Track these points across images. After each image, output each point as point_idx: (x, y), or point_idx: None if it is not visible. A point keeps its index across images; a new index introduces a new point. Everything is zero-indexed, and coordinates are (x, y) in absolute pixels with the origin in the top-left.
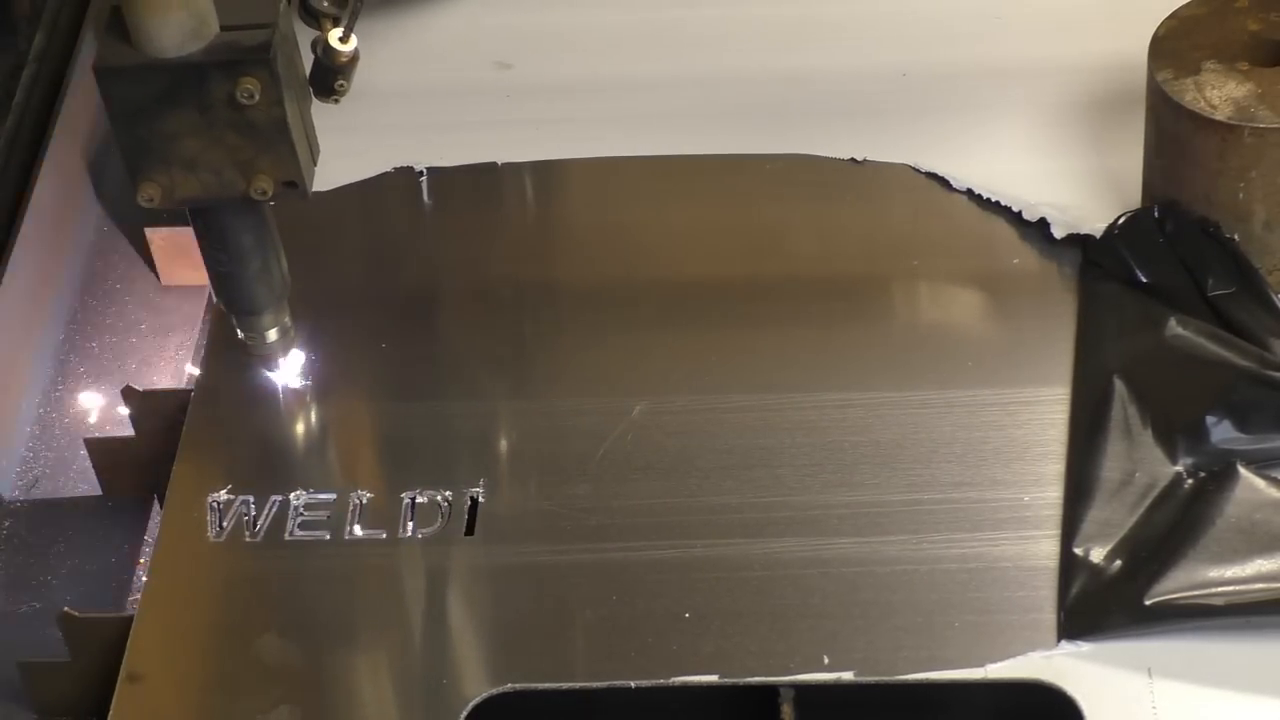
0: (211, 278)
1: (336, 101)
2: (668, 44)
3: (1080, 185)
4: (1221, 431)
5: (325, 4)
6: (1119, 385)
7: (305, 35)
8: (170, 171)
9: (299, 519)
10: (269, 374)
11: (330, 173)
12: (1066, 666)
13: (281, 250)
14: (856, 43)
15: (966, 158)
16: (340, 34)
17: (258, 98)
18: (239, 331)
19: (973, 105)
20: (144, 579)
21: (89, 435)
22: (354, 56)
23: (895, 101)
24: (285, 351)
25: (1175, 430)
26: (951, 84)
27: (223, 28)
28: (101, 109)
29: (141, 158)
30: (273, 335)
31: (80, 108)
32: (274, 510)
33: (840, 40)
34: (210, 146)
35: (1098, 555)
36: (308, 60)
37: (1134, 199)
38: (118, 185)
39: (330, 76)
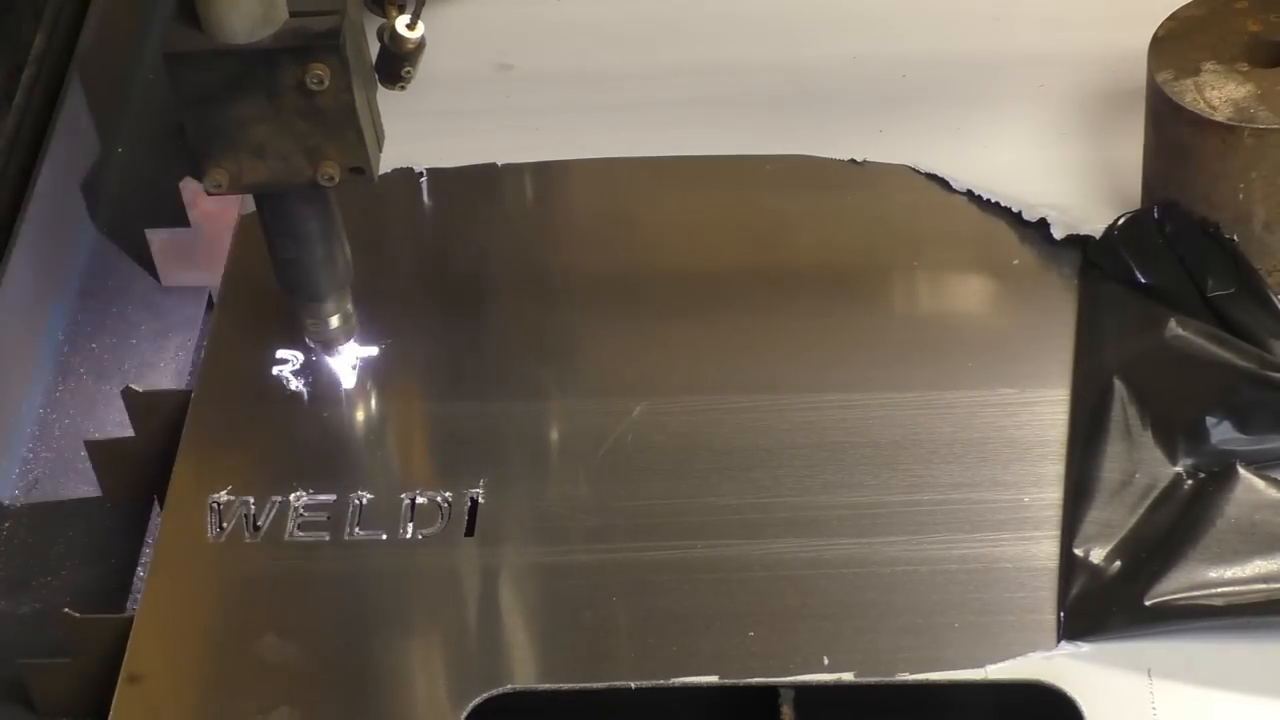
0: (275, 264)
1: (403, 88)
2: (668, 45)
3: (1080, 186)
4: (1221, 432)
5: None
6: (1119, 386)
7: (370, 23)
8: (238, 157)
9: (299, 519)
10: (329, 360)
11: None
12: (1066, 667)
13: (344, 237)
14: (857, 43)
15: (966, 158)
16: (407, 20)
17: (327, 84)
18: (302, 318)
19: (972, 106)
20: (144, 579)
21: (89, 436)
22: (421, 43)
23: (895, 102)
24: (346, 338)
25: (1175, 431)
26: (951, 85)
27: (291, 13)
28: (102, 108)
29: (209, 144)
30: (335, 322)
31: (80, 108)
32: (274, 510)
33: (841, 40)
34: (278, 133)
35: (1098, 556)
36: (372, 47)
37: (1134, 200)
38: (118, 185)
39: (397, 64)
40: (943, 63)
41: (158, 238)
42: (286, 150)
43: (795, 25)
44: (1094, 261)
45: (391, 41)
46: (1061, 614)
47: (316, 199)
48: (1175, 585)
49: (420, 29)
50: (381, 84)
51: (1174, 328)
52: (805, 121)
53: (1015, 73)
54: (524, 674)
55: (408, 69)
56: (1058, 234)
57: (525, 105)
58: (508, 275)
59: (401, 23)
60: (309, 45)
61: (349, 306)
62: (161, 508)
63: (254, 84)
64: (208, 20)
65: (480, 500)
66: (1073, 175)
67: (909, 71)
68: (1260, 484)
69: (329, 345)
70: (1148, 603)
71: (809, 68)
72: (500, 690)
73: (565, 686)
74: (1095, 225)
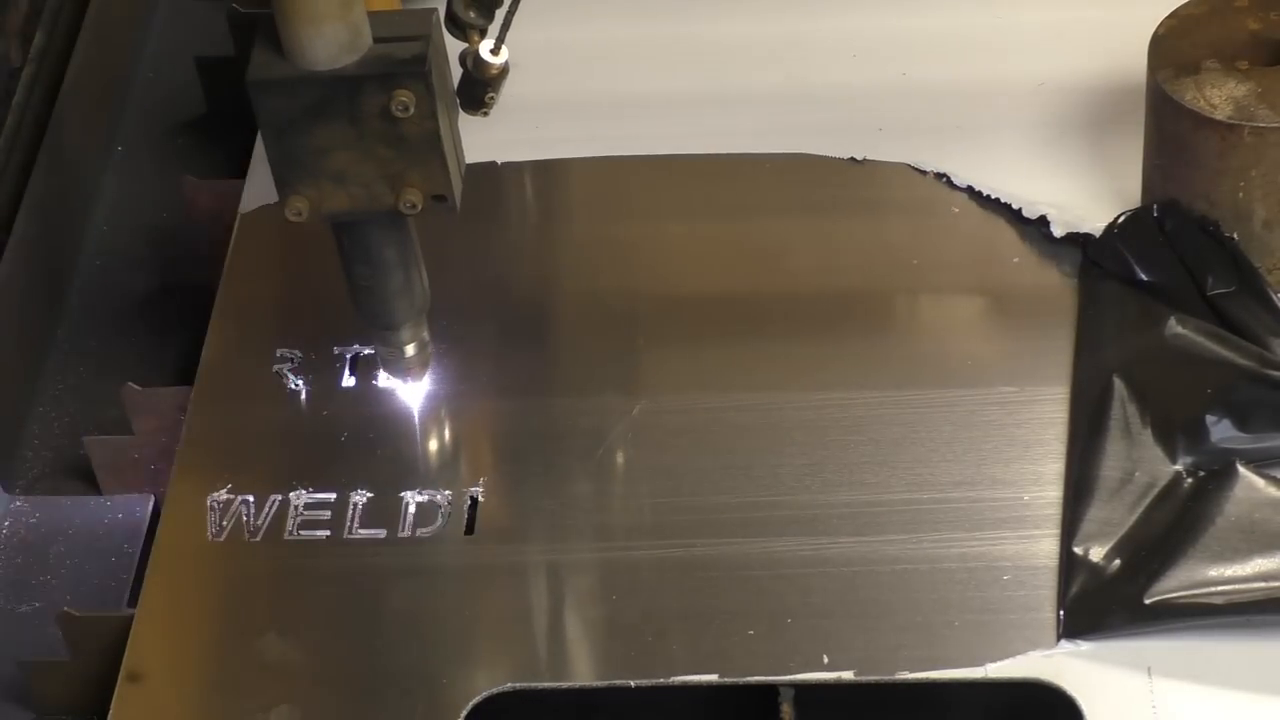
0: (351, 291)
1: (485, 114)
2: (668, 44)
3: (1080, 184)
4: (1221, 430)
5: (472, 15)
6: (1119, 384)
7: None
8: (319, 185)
9: (299, 519)
10: (404, 384)
11: None
12: (1066, 666)
13: (423, 264)
14: (856, 43)
15: (966, 157)
16: (491, 46)
17: (412, 110)
18: (376, 345)
19: (972, 105)
20: (144, 579)
21: (89, 435)
22: (504, 69)
23: (895, 101)
24: (423, 367)
25: (1175, 429)
26: (951, 84)
27: (376, 39)
28: (102, 108)
29: (290, 171)
30: (411, 350)
31: (80, 107)
32: (274, 510)
33: (840, 40)
34: (360, 160)
35: (1098, 554)
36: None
37: (1134, 198)
38: (118, 185)
39: (480, 89)
40: (943, 62)
41: (158, 237)
42: (368, 178)
43: (795, 25)
44: (1094, 260)
45: (475, 67)
46: (1061, 612)
47: (395, 226)
48: (1175, 584)
49: (504, 54)
50: (463, 109)
51: (1174, 326)
52: (805, 121)
53: (1015, 71)
54: (524, 673)
55: (491, 95)
56: (1058, 232)
57: (525, 104)
58: (507, 274)
59: (485, 48)
60: (394, 72)
61: (425, 335)
62: (161, 507)
63: (337, 111)
64: (291, 47)
65: (480, 499)
66: (1072, 173)
67: (909, 71)
68: (1260, 482)
69: (405, 374)
70: (1147, 601)
71: (809, 67)
72: (500, 690)
73: (565, 686)
74: (1095, 223)
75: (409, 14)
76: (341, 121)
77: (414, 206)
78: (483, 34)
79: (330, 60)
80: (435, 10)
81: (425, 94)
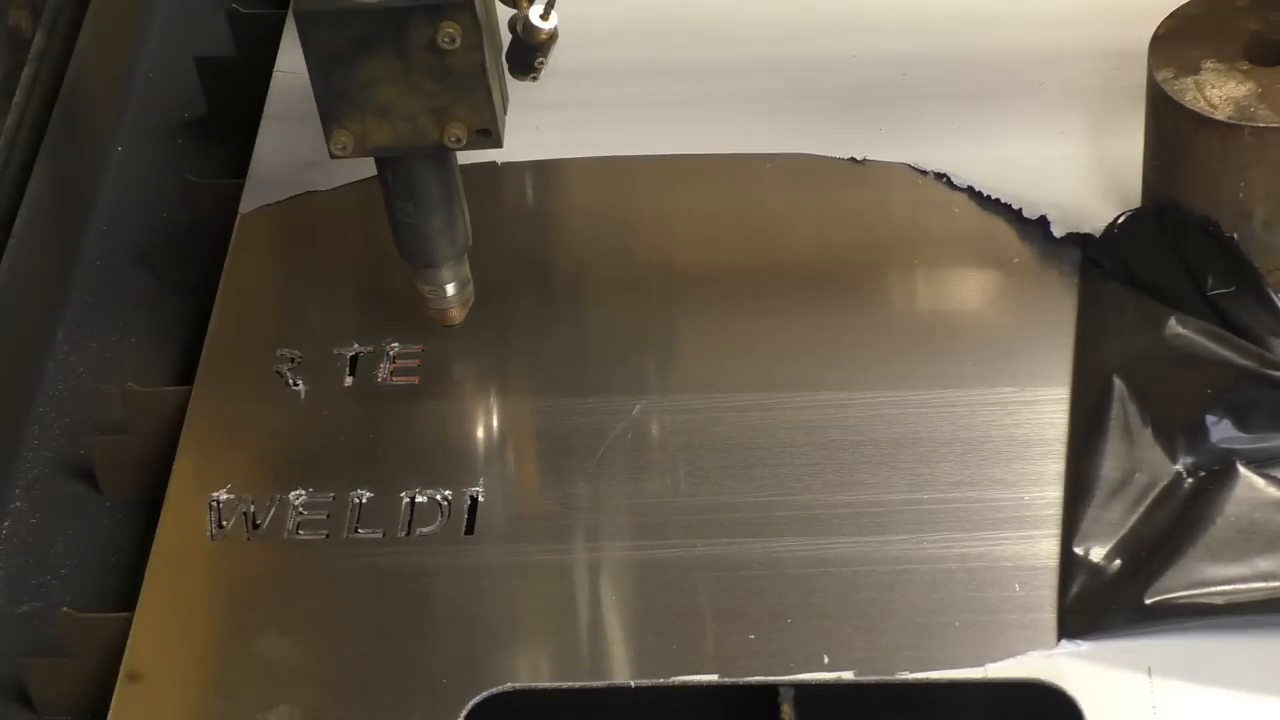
0: (394, 229)
1: (535, 79)
2: (668, 44)
3: (1080, 184)
4: (1221, 431)
5: None
6: (1119, 384)
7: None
8: (364, 119)
9: (299, 518)
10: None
11: (331, 172)
12: (1066, 666)
13: (464, 201)
14: (857, 43)
15: (966, 157)
16: (540, 10)
17: (458, 42)
18: (418, 284)
19: (972, 105)
20: (144, 579)
21: (89, 435)
22: (554, 34)
23: (895, 101)
24: (464, 305)
25: (1175, 429)
26: (951, 84)
27: None
28: (102, 108)
29: (335, 105)
30: (451, 290)
31: (80, 108)
32: (273, 509)
33: (840, 40)
34: (406, 93)
35: (1098, 554)
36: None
37: (1134, 198)
38: (118, 185)
39: (530, 54)
40: (943, 62)
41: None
42: (413, 111)
43: (795, 25)
44: (1094, 260)
45: (524, 32)
46: (1061, 613)
47: (439, 161)
48: (1175, 584)
49: (554, 19)
50: (513, 75)
51: (1174, 326)
52: (805, 121)
53: (1015, 71)
54: (524, 673)
55: (540, 59)
56: (1058, 232)
57: (525, 104)
58: (506, 274)
59: (535, 13)
60: (441, 3)
61: (467, 273)
62: (161, 507)
63: (383, 43)
64: None
65: (480, 499)
66: (1073, 173)
67: (909, 71)
68: (1260, 482)
69: (445, 315)
70: (1148, 601)
71: (809, 68)
72: (500, 690)
73: (565, 685)
74: (1095, 223)
75: None
76: (388, 54)
77: (459, 140)
78: (533, 0)
79: None
80: None
81: (471, 26)
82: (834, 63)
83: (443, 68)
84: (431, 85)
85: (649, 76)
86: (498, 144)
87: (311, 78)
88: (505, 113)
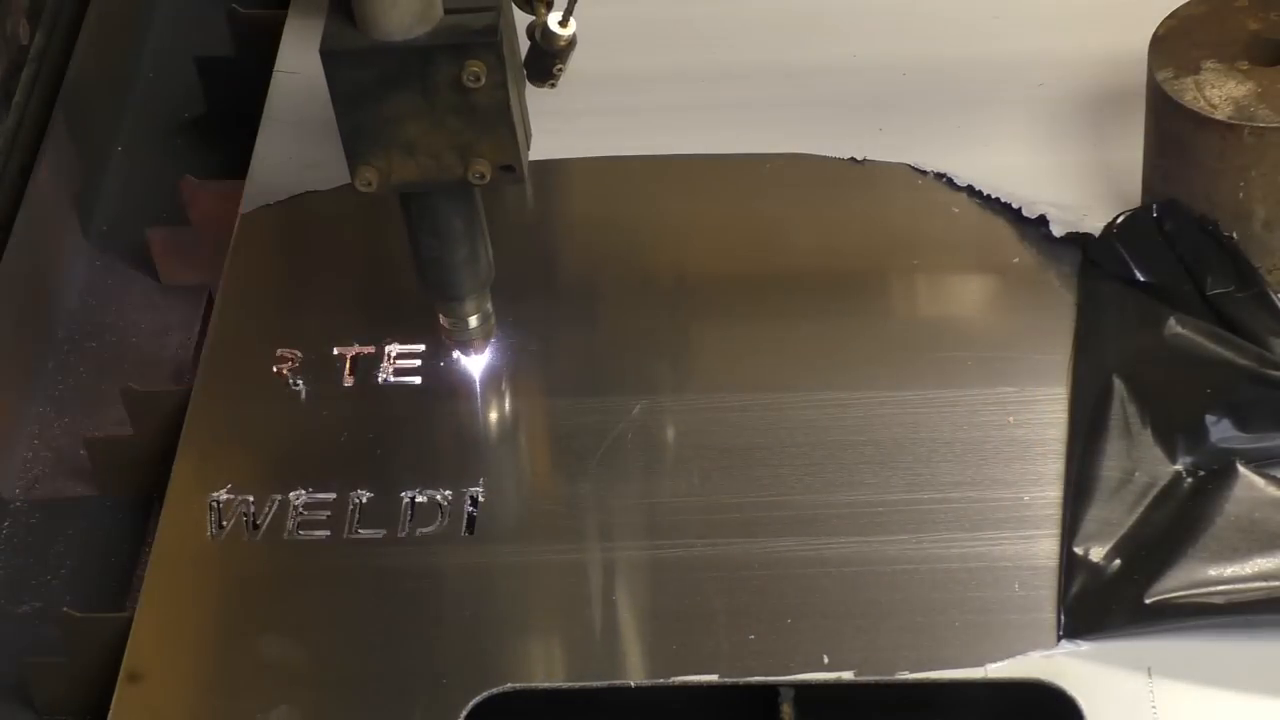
0: (417, 263)
1: (553, 86)
2: (667, 45)
3: (1080, 184)
4: (1221, 430)
5: None
6: (1118, 384)
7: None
8: (389, 155)
9: (299, 519)
10: (465, 360)
11: (331, 173)
12: (1066, 666)
13: (488, 236)
14: (857, 43)
15: (966, 157)
16: (560, 17)
17: (483, 81)
18: (440, 317)
19: (972, 105)
20: (144, 579)
21: (89, 435)
22: (572, 41)
23: (895, 101)
24: (486, 339)
25: (1175, 429)
26: (952, 83)
27: (446, 10)
28: (102, 109)
29: (360, 141)
30: (474, 322)
31: (80, 107)
32: (274, 510)
33: (841, 40)
34: (431, 130)
35: (1098, 554)
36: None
37: (1134, 198)
38: (118, 185)
39: (549, 61)
40: (943, 62)
41: (158, 235)
42: (438, 148)
43: (795, 25)
44: (1094, 260)
45: (543, 39)
46: (1061, 612)
47: (463, 197)
48: (1175, 583)
49: (572, 26)
50: (531, 82)
51: (1173, 326)
52: (805, 121)
53: (1015, 71)
54: (524, 673)
55: (559, 66)
56: (1057, 232)
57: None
58: (506, 274)
59: (554, 20)
60: (466, 42)
61: (489, 306)
62: (161, 507)
63: (408, 81)
64: (364, 18)
65: (480, 499)
66: (1073, 173)
67: (909, 71)
68: (1260, 482)
69: (468, 346)
70: (1148, 601)
71: (809, 68)
72: (500, 690)
73: (565, 685)
74: (1095, 223)
75: None
76: (413, 92)
77: (483, 177)
78: (549, 6)
79: (403, 30)
80: None
81: (496, 64)
82: (834, 63)
83: (467, 105)
84: (456, 122)
85: (649, 77)
86: (521, 180)
87: (337, 115)
88: (529, 148)
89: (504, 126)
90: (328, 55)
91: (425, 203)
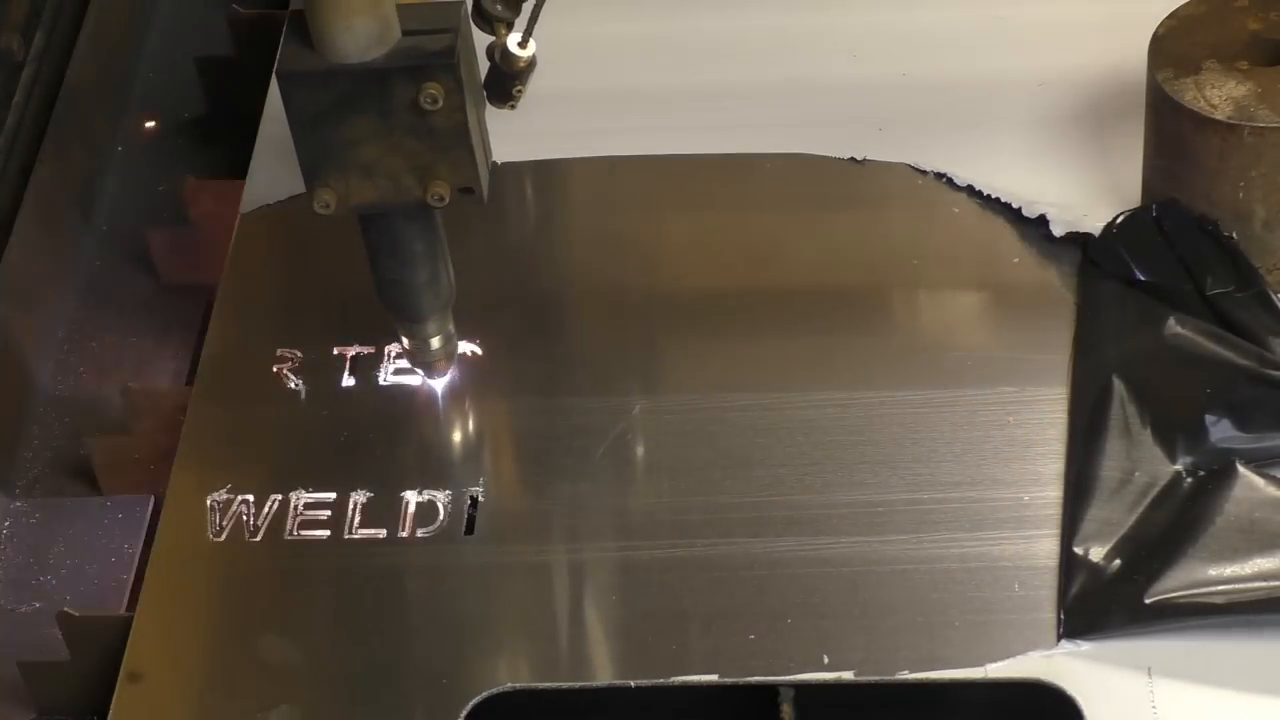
0: (378, 284)
1: (513, 108)
2: (667, 44)
3: (1080, 184)
4: (1221, 430)
5: (499, 8)
6: (1118, 384)
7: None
8: (347, 177)
9: (299, 519)
10: (430, 382)
11: None
12: (1066, 666)
13: (449, 258)
14: (857, 43)
15: (966, 157)
16: (519, 39)
17: (441, 103)
18: (401, 339)
19: (973, 105)
20: (144, 579)
21: (89, 435)
22: (532, 62)
23: (895, 101)
24: (449, 360)
25: (1175, 429)
26: (952, 83)
27: (404, 32)
28: (102, 109)
29: (318, 163)
30: (436, 344)
31: (80, 107)
32: (274, 510)
33: (841, 40)
34: (389, 152)
35: (1098, 554)
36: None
37: (1134, 198)
38: (118, 185)
39: (508, 82)
40: (943, 62)
41: (158, 235)
42: (396, 170)
43: (796, 26)
44: (1094, 260)
45: (503, 60)
46: (1061, 612)
47: (423, 219)
48: (1175, 583)
49: (532, 47)
50: (491, 103)
51: (1173, 326)
52: (805, 121)
53: (1016, 72)
54: (524, 673)
55: (518, 88)
56: (1057, 232)
57: (525, 104)
58: (506, 274)
59: (513, 41)
60: (424, 64)
61: (451, 328)
62: (161, 507)
63: (366, 103)
64: (321, 40)
65: (480, 499)
66: (1073, 173)
67: (909, 71)
68: (1259, 482)
69: (430, 368)
70: (1148, 601)
71: (809, 68)
72: (500, 690)
73: (565, 686)
74: (1095, 223)
75: (437, 7)
76: (370, 114)
77: (441, 199)
78: (509, 27)
79: (360, 53)
80: (463, 3)
81: (454, 86)
82: (834, 63)
83: (425, 127)
84: (414, 144)
85: (649, 76)
86: (481, 201)
87: (294, 136)
88: (489, 169)
89: (462, 148)
90: (284, 77)
91: (385, 225)
